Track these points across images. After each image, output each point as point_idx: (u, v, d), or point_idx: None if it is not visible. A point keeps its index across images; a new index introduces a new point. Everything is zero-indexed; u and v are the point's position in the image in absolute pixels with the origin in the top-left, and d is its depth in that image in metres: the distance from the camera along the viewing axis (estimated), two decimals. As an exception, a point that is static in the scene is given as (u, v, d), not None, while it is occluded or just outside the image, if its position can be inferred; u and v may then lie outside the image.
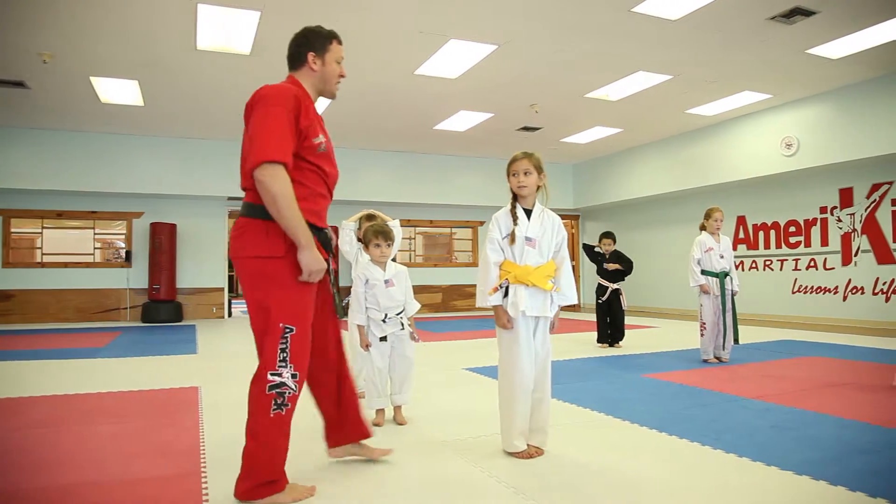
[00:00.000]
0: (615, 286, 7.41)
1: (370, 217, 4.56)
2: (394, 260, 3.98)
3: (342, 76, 2.77)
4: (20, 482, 2.68)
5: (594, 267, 7.70)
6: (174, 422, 3.77)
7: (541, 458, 2.95)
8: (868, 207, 8.79)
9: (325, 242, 2.58)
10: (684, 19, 6.30)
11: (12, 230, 11.37)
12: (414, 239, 14.23)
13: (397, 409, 3.73)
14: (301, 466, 2.88)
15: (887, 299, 8.51)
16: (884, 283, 8.60)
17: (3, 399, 4.42)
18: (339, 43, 2.75)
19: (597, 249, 7.67)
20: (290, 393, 2.40)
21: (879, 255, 8.66)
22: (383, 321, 3.68)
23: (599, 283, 7.51)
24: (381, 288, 3.67)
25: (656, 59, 7.57)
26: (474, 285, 13.82)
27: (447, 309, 13.85)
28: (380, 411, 3.69)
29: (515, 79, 8.32)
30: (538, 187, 3.05)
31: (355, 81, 8.30)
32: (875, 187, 8.76)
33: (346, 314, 4.63)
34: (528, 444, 2.98)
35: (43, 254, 11.56)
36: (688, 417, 3.71)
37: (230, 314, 12.72)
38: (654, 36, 6.76)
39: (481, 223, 14.51)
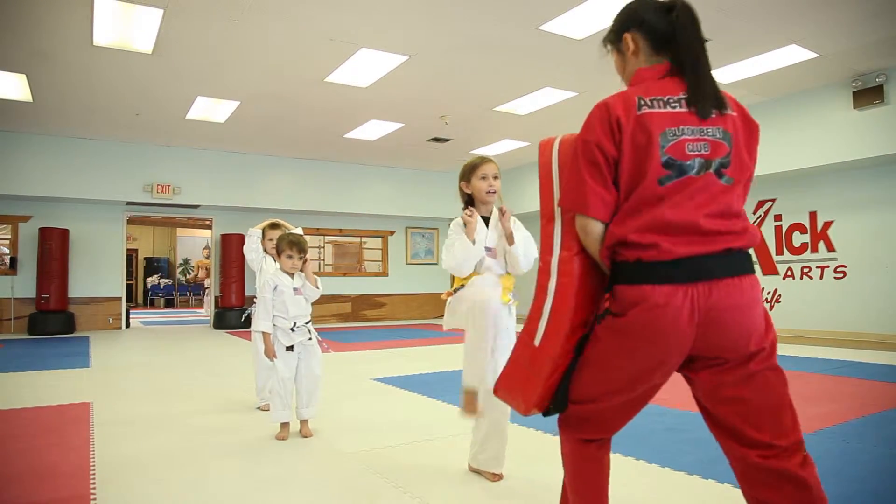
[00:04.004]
0: None
1: (274, 226, 4.52)
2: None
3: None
4: None
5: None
6: (61, 441, 3.55)
7: (450, 470, 2.96)
8: (755, 222, 9.40)
9: None
10: (589, 39, 6.54)
11: None
12: (323, 248, 14.03)
13: (303, 422, 3.67)
14: (213, 485, 2.78)
15: (771, 307, 9.11)
16: (768, 293, 9.22)
17: None
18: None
19: None
20: None
21: (765, 267, 9.29)
22: (291, 329, 3.61)
23: None
24: (289, 295, 3.63)
25: (563, 76, 7.82)
26: (384, 295, 13.67)
27: (357, 319, 13.72)
28: (284, 425, 3.60)
29: (425, 90, 8.38)
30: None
31: (263, 85, 8.14)
32: (760, 204, 9.40)
33: (248, 324, 4.55)
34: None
35: (-86, 259, 10.64)
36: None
37: (128, 325, 12.11)
38: (560, 54, 6.99)
39: (391, 233, 14.49)
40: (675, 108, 1.57)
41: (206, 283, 15.86)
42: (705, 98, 1.57)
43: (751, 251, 1.58)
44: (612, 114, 1.57)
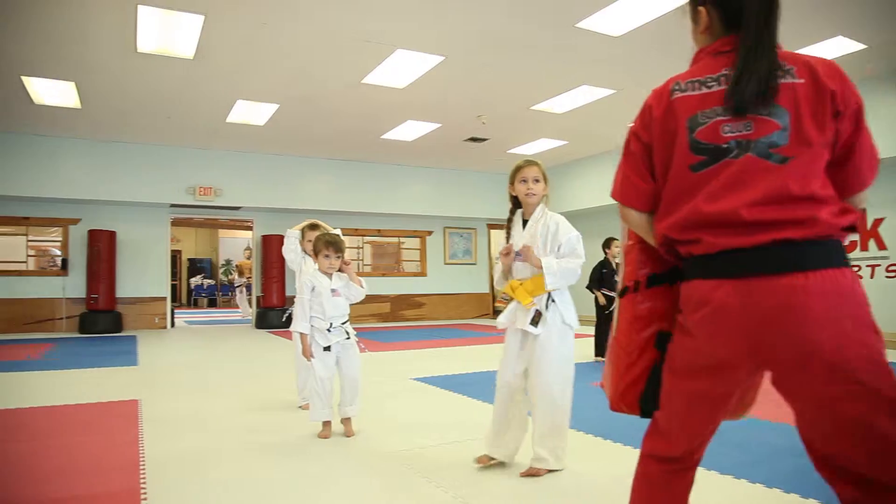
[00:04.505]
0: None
1: (313, 227, 4.56)
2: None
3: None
4: (-56, 503, 2.56)
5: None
6: (112, 437, 3.65)
7: (493, 469, 2.97)
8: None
9: None
10: (626, 36, 6.47)
11: (-62, 236, 10.84)
12: (362, 248, 14.15)
13: (346, 420, 3.68)
14: (256, 482, 2.84)
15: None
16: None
17: (-73, 415, 4.22)
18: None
19: (606, 258, 7.16)
20: None
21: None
22: (328, 330, 3.63)
23: (605, 294, 6.99)
24: (327, 296, 3.64)
25: (600, 74, 7.75)
26: (422, 295, 13.71)
27: (395, 319, 13.80)
28: (326, 423, 3.64)
29: (462, 90, 8.39)
30: (546, 194, 3.09)
31: (301, 87, 8.24)
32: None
33: (289, 324, 4.61)
34: (493, 456, 2.97)
35: (-29, 261, 11.04)
36: (630, 423, 3.79)
37: (173, 324, 12.40)
38: (597, 51, 6.93)
39: (429, 233, 14.53)
40: (711, 87, 1.42)
41: (237, 282, 16.22)
42: (742, 90, 1.36)
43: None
44: (647, 102, 1.53)
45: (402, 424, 3.94)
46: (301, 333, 3.64)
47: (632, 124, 1.57)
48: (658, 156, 1.49)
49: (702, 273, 1.39)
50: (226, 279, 22.01)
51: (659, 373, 1.54)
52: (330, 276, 3.70)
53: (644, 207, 1.54)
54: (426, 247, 14.56)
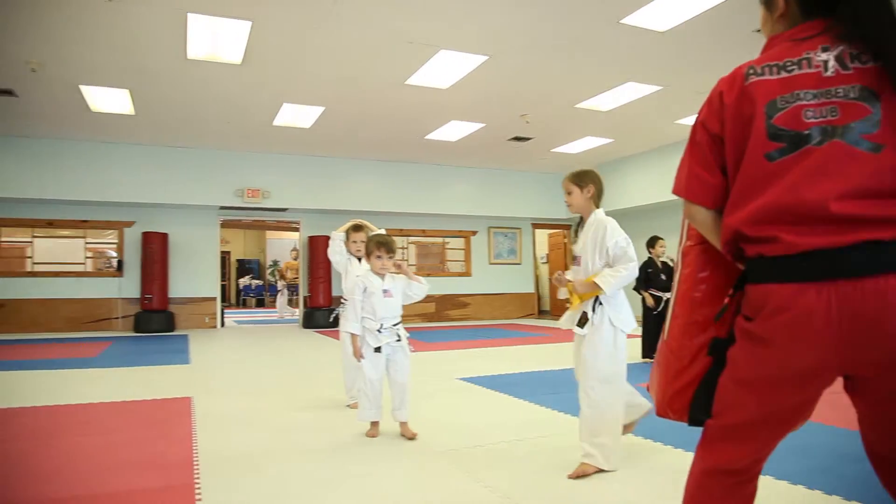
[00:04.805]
0: (668, 295, 6.84)
1: (357, 228, 4.60)
2: None
3: None
4: (12, 495, 2.67)
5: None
6: (167, 433, 3.76)
7: (542, 470, 2.96)
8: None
9: None
10: (672, 31, 6.36)
11: (3, 239, 11.30)
12: (406, 248, 14.23)
13: (402, 424, 3.66)
14: (306, 479, 2.89)
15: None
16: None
17: (-6, 411, 4.41)
18: None
19: (651, 257, 6.95)
20: None
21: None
22: (378, 331, 3.63)
23: (653, 294, 6.74)
24: (378, 297, 3.64)
25: (645, 70, 7.63)
26: (467, 295, 13.69)
27: (440, 318, 13.84)
28: (374, 423, 3.67)
29: (506, 89, 8.37)
30: (590, 198, 3.14)
31: (346, 90, 8.33)
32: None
33: (336, 324, 4.67)
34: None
35: (34, 263, 11.49)
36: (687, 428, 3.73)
37: (223, 324, 12.68)
38: (642, 47, 6.83)
39: (473, 233, 14.53)
40: (791, 71, 1.29)
41: (280, 284, 16.57)
42: (859, 36, 1.24)
43: None
44: (717, 89, 1.40)
45: (449, 424, 3.95)
46: (352, 334, 3.66)
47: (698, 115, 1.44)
48: (730, 145, 1.36)
49: (780, 276, 1.26)
50: (273, 279, 22.42)
51: (711, 381, 1.45)
52: (382, 276, 3.70)
53: (711, 204, 1.42)
54: (471, 247, 14.56)
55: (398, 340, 3.68)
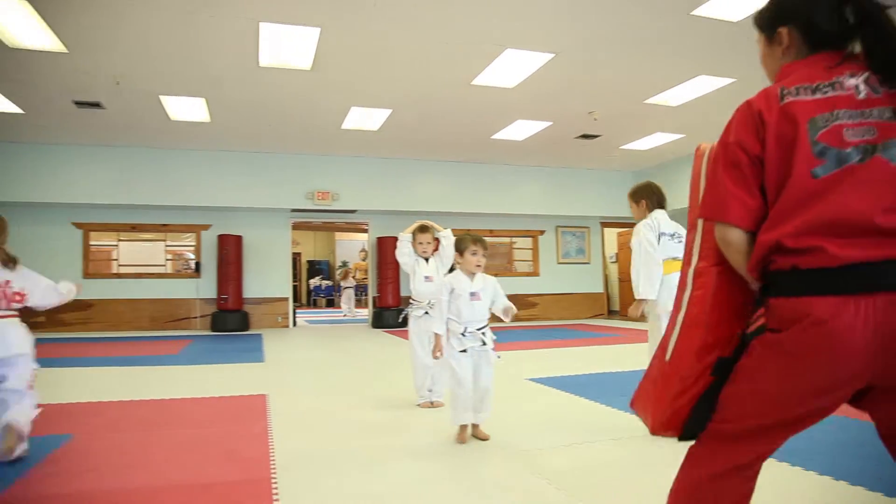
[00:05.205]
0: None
1: (423, 228, 4.65)
2: (451, 270, 4.00)
3: None
4: (100, 483, 2.82)
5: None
6: (244, 428, 3.89)
7: (616, 474, 2.91)
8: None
9: None
10: (746, 21, 6.14)
11: (91, 243, 11.93)
12: (473, 248, 14.23)
13: (475, 426, 3.58)
14: (377, 478, 2.93)
15: None
16: None
17: (85, 403, 4.65)
18: None
19: None
20: None
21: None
22: (462, 335, 3.54)
23: None
24: (465, 300, 3.55)
25: (718, 63, 7.40)
26: (535, 294, 13.55)
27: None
28: (464, 427, 3.54)
29: (573, 86, 8.27)
30: (644, 209, 3.94)
31: (413, 92, 8.41)
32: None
33: (405, 324, 4.72)
34: None
35: (119, 265, 12.09)
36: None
37: (294, 323, 13.01)
38: (715, 39, 6.62)
39: (541, 232, 14.42)
40: (826, 93, 1.34)
41: (343, 284, 16.93)
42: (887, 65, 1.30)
43: None
44: (754, 109, 1.39)
45: (520, 425, 3.93)
46: (436, 334, 3.61)
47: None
48: (772, 165, 1.36)
49: (818, 289, 1.27)
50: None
51: (711, 397, 1.47)
52: (472, 277, 3.60)
53: (750, 226, 1.40)
54: (538, 246, 14.46)
55: (483, 345, 3.55)
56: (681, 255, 2.65)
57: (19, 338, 3.29)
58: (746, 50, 6.92)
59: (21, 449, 3.12)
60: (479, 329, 3.57)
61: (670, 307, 1.75)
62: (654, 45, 6.85)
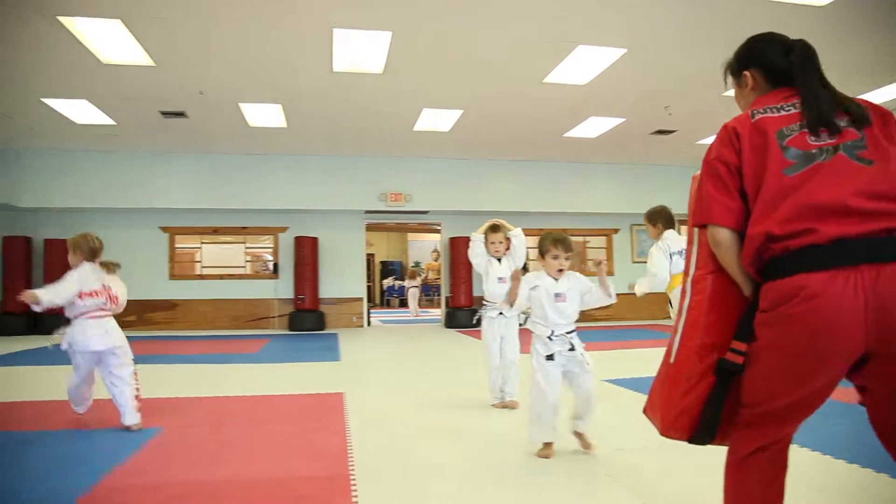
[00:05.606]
0: None
1: (495, 228, 4.61)
2: (525, 269, 3.95)
3: None
4: (186, 474, 2.95)
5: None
6: (323, 426, 3.99)
7: (691, 478, 2.84)
8: None
9: None
10: (833, 5, 5.86)
11: (176, 246, 12.50)
12: (545, 247, 14.11)
13: (579, 434, 3.30)
14: (451, 478, 2.96)
15: None
16: None
17: (173, 398, 4.88)
18: None
19: None
20: None
21: None
22: (549, 338, 3.28)
23: None
24: (548, 300, 3.29)
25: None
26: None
27: (582, 319, 13.46)
28: (547, 444, 3.26)
29: (647, 81, 8.08)
30: (660, 230, 4.63)
31: (483, 92, 8.42)
32: None
33: (479, 325, 4.73)
34: None
35: (202, 267, 12.62)
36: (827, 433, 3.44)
37: (369, 323, 13.23)
38: (798, 24, 6.32)
39: (615, 231, 14.16)
40: (788, 110, 1.63)
41: (408, 283, 17.16)
42: (817, 123, 1.58)
43: None
44: (729, 128, 1.67)
45: (596, 427, 3.86)
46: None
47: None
48: (748, 170, 1.61)
49: (809, 265, 1.44)
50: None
51: (716, 403, 1.63)
52: (557, 278, 3.35)
53: (734, 225, 1.62)
54: (612, 245, 14.21)
55: (571, 350, 3.29)
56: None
57: (119, 332, 3.98)
58: (831, 36, 6.61)
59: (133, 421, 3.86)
60: (567, 333, 3.32)
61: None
62: (733, 34, 6.54)
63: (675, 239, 4.53)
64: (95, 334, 3.82)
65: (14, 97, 8.22)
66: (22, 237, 11.34)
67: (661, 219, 4.64)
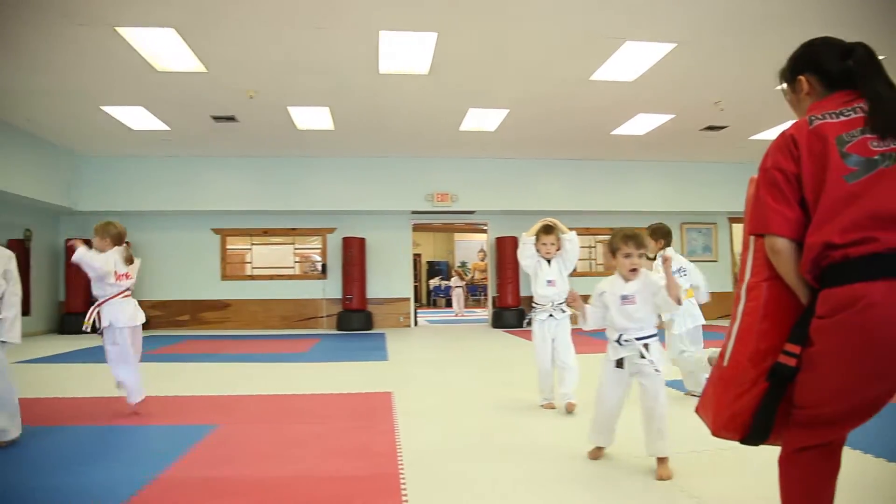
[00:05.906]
0: None
1: (547, 228, 4.55)
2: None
3: None
4: (237, 471, 3.02)
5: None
6: (372, 424, 4.03)
7: (754, 483, 2.77)
8: None
9: None
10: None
11: (227, 247, 12.79)
12: (594, 248, 13.98)
13: (658, 460, 2.93)
14: (500, 479, 2.96)
15: None
16: None
17: (228, 395, 5.00)
18: None
19: None
20: None
21: None
22: (618, 342, 3.10)
23: None
24: (615, 304, 3.09)
25: (862, 40, 6.80)
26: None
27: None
28: (599, 448, 3.20)
29: (697, 76, 7.91)
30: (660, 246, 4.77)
31: (529, 91, 8.37)
32: None
33: (528, 325, 4.70)
34: None
35: (252, 267, 12.88)
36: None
37: (416, 323, 13.30)
38: (855, 14, 6.09)
39: (663, 228, 13.89)
40: (849, 115, 1.58)
41: (453, 282, 17.27)
42: (887, 129, 1.53)
43: None
44: (787, 136, 1.64)
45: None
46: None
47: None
48: (808, 177, 1.58)
49: (869, 274, 1.42)
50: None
51: (769, 407, 1.63)
52: (630, 278, 3.10)
53: (792, 234, 1.60)
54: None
55: (642, 358, 3.02)
56: (687, 286, 3.82)
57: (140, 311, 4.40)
58: (893, 24, 6.34)
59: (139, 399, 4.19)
60: (638, 339, 3.04)
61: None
62: (790, 25, 6.40)
63: (677, 258, 4.90)
64: (132, 311, 4.32)
65: (75, 105, 8.54)
66: (82, 240, 11.73)
67: (661, 234, 4.82)
